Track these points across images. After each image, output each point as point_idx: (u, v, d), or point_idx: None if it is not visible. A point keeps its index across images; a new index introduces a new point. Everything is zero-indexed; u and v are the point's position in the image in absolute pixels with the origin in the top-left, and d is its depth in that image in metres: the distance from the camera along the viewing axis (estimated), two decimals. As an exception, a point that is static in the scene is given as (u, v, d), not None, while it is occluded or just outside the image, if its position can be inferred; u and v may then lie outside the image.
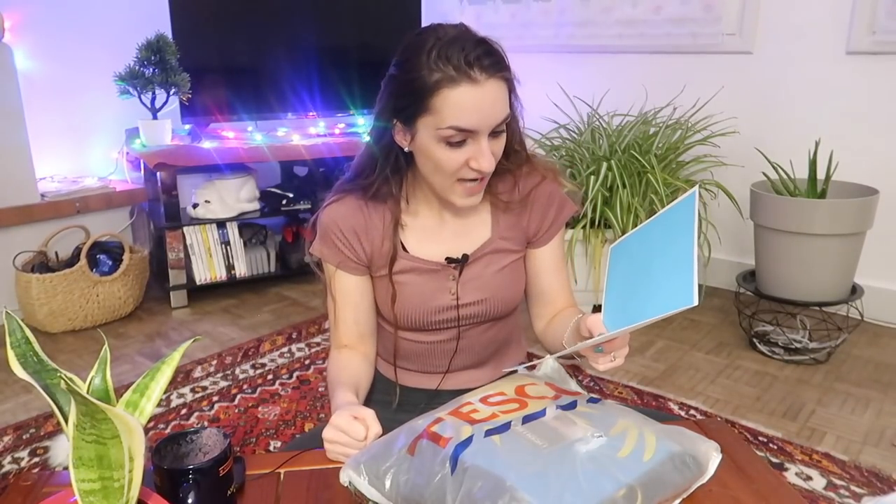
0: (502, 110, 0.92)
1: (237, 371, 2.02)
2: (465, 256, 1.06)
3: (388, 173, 1.00)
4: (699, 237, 2.35)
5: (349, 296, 1.06)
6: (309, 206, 2.74)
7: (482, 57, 0.88)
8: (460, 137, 0.91)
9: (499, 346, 1.16)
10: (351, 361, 1.06)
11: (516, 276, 1.10)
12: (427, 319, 1.07)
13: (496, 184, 1.06)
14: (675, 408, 1.79)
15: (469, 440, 0.73)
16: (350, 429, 0.83)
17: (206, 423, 1.73)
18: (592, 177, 2.18)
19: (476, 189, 0.97)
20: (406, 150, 0.97)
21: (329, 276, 1.06)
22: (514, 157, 1.04)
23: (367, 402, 1.20)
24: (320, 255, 1.05)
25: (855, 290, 2.06)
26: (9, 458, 1.60)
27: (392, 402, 1.15)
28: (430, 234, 1.06)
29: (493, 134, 0.93)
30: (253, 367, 2.05)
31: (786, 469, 1.51)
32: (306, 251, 1.09)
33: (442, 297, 1.06)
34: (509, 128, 0.98)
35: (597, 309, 1.13)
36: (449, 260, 1.05)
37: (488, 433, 0.75)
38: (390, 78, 0.95)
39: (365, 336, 1.09)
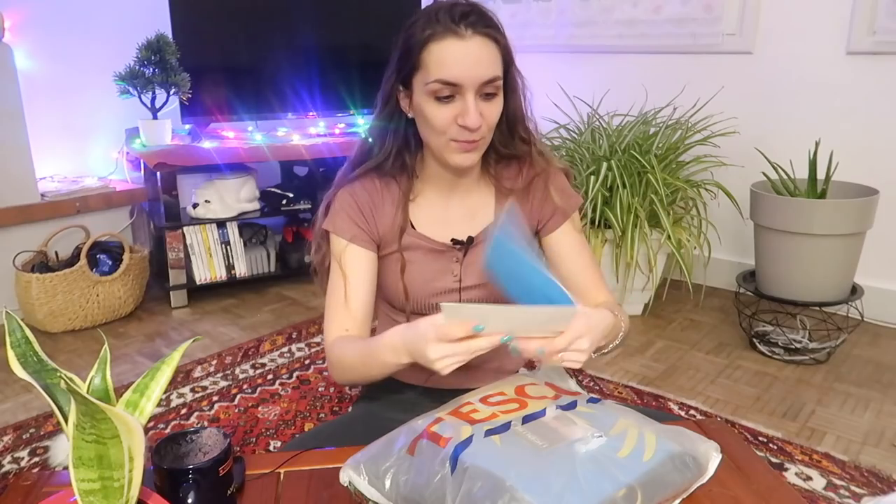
0: (489, 68, 0.93)
1: (237, 371, 2.02)
2: (471, 239, 1.07)
3: (400, 145, 1.02)
4: (699, 237, 2.35)
5: (360, 271, 1.04)
6: (309, 206, 2.74)
7: (469, 14, 0.92)
8: (447, 92, 0.93)
9: (498, 347, 1.15)
10: (352, 339, 1.01)
11: None
12: (428, 301, 1.07)
13: (501, 170, 1.08)
14: (675, 408, 1.79)
15: (469, 440, 0.73)
16: (449, 331, 0.78)
17: (206, 423, 1.73)
18: (592, 177, 2.18)
19: (470, 147, 0.97)
20: (409, 115, 1.00)
21: (339, 254, 1.04)
22: (519, 141, 1.05)
23: (363, 399, 1.20)
24: (333, 228, 1.04)
25: (855, 290, 2.06)
26: (9, 458, 1.60)
27: (384, 398, 1.15)
28: (436, 214, 1.07)
29: (486, 96, 0.94)
30: (253, 366, 2.05)
31: (786, 469, 1.51)
32: (317, 227, 1.07)
33: (444, 278, 1.07)
34: (510, 105, 1.00)
35: None
36: (454, 241, 1.06)
37: (488, 433, 0.75)
38: (395, 45, 0.98)
39: (366, 321, 1.05)
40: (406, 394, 1.16)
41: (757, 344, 2.13)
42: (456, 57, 0.91)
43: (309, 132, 2.86)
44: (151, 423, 1.73)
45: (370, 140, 1.05)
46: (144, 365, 2.08)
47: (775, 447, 1.60)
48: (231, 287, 2.70)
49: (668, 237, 2.17)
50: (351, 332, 1.02)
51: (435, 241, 1.06)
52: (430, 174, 1.05)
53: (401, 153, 1.03)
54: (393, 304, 1.11)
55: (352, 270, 1.03)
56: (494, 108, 0.96)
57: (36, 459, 1.60)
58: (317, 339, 2.24)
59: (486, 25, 0.93)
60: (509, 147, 1.05)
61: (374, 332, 1.18)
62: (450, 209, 1.07)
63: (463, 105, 0.93)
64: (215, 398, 1.86)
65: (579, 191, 2.22)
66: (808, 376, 1.97)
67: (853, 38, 2.23)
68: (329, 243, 1.06)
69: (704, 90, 2.48)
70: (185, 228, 2.52)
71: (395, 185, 1.05)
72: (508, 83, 0.99)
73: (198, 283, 2.57)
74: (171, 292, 2.53)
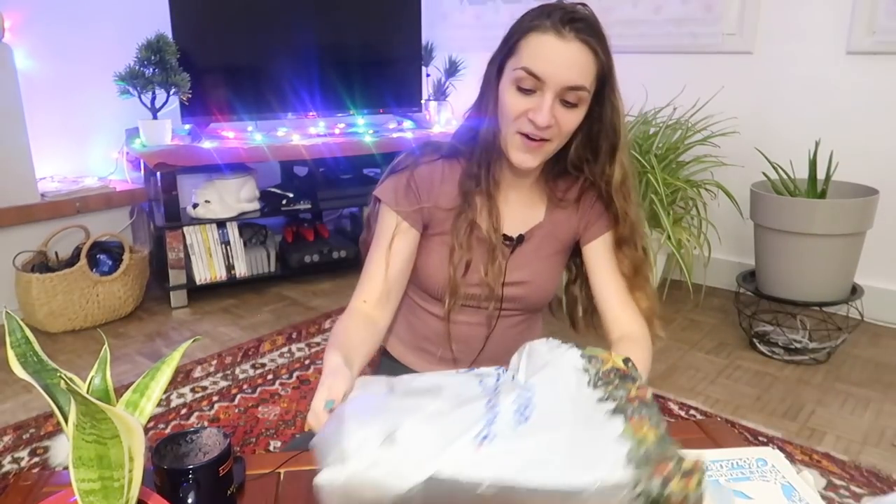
0: (578, 75, 0.94)
1: (237, 371, 2.02)
2: (521, 237, 1.09)
3: (492, 137, 1.02)
4: (699, 237, 2.35)
5: (406, 248, 1.05)
6: (309, 206, 2.74)
7: (578, 21, 0.94)
8: (529, 84, 0.94)
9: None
10: (355, 323, 1.00)
11: (557, 268, 1.14)
12: (469, 291, 1.07)
13: (558, 180, 1.10)
14: (675, 408, 1.79)
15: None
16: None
17: (206, 423, 1.73)
18: (592, 177, 2.18)
19: (532, 146, 0.98)
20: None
21: (388, 222, 1.05)
22: (591, 166, 1.04)
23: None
24: (385, 199, 1.04)
25: (855, 290, 2.06)
26: (9, 458, 1.60)
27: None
28: (489, 206, 1.07)
29: (566, 103, 0.95)
30: (253, 367, 2.05)
31: (786, 469, 1.51)
32: (377, 188, 1.07)
33: (489, 269, 1.08)
34: (596, 123, 0.99)
35: None
36: (505, 237, 1.08)
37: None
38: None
39: (391, 293, 1.05)
40: None
41: (757, 344, 2.13)
42: (550, 53, 0.92)
43: (309, 132, 2.86)
44: (151, 423, 1.73)
45: (469, 124, 1.05)
46: (144, 365, 2.08)
47: (775, 447, 1.60)
48: (231, 287, 2.70)
49: (668, 237, 2.17)
50: (367, 305, 1.02)
51: (486, 231, 1.07)
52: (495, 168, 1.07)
53: (491, 146, 1.02)
54: (429, 293, 1.10)
55: (399, 246, 1.04)
56: (571, 118, 0.96)
57: (36, 459, 1.60)
58: (317, 339, 2.24)
59: (591, 35, 0.94)
60: (577, 168, 1.06)
61: (394, 323, 1.17)
62: (502, 204, 1.08)
63: (539, 101, 0.94)
64: (215, 398, 1.86)
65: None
66: (808, 376, 1.97)
67: (853, 38, 2.23)
68: (382, 210, 1.07)
69: (704, 90, 2.48)
70: (185, 228, 2.52)
71: (459, 166, 1.06)
72: (601, 101, 0.99)
73: (198, 283, 2.57)
74: (171, 292, 2.53)
